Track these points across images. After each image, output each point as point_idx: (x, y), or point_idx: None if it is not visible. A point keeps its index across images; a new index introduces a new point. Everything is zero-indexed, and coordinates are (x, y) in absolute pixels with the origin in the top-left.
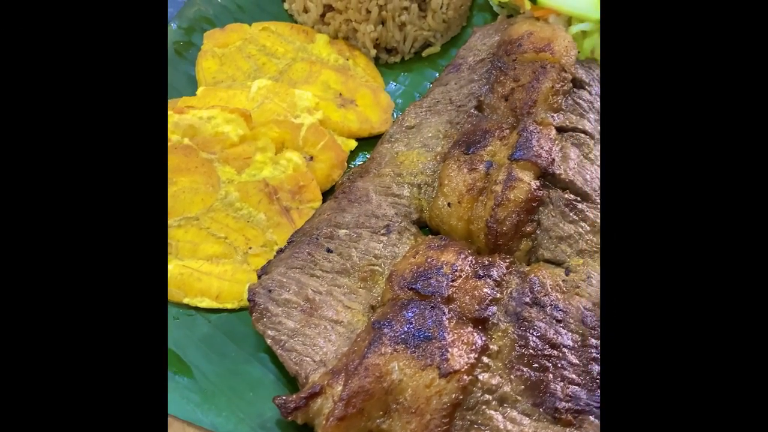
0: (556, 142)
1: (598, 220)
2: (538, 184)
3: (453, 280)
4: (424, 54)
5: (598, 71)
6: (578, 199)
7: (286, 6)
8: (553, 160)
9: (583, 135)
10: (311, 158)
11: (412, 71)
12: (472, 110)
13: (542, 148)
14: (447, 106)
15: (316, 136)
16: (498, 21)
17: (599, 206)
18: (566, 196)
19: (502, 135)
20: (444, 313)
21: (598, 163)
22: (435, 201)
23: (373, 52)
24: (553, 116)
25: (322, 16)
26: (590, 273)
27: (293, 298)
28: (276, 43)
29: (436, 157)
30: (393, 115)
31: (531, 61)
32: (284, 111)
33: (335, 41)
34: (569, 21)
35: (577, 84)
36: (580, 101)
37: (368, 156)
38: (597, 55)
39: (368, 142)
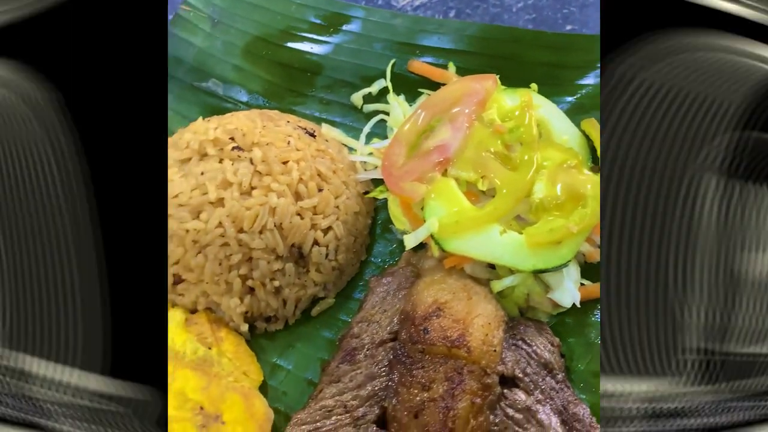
0: None
1: None
2: None
3: None
4: (313, 313)
5: (539, 338)
6: None
7: None
8: None
9: None
10: None
11: (301, 340)
12: (373, 428)
13: None
14: (341, 417)
15: None
16: (402, 261)
17: None
18: None
19: None
20: None
21: None
22: None
23: (245, 327)
24: None
25: (176, 283)
26: None
27: None
28: None
29: None
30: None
31: (443, 357)
32: None
33: (194, 317)
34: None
35: (508, 382)
36: (513, 413)
37: None
38: (535, 300)
39: None
